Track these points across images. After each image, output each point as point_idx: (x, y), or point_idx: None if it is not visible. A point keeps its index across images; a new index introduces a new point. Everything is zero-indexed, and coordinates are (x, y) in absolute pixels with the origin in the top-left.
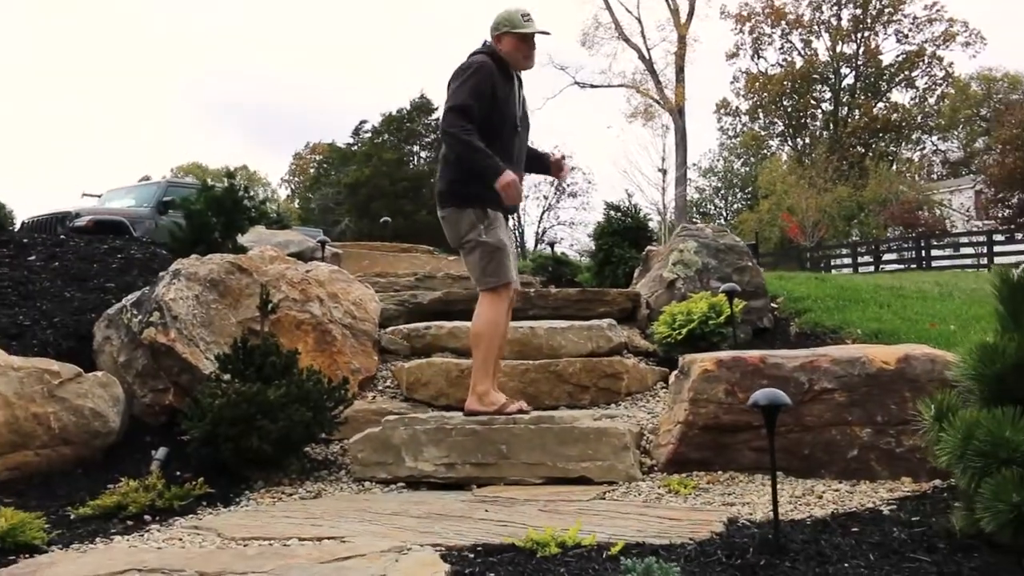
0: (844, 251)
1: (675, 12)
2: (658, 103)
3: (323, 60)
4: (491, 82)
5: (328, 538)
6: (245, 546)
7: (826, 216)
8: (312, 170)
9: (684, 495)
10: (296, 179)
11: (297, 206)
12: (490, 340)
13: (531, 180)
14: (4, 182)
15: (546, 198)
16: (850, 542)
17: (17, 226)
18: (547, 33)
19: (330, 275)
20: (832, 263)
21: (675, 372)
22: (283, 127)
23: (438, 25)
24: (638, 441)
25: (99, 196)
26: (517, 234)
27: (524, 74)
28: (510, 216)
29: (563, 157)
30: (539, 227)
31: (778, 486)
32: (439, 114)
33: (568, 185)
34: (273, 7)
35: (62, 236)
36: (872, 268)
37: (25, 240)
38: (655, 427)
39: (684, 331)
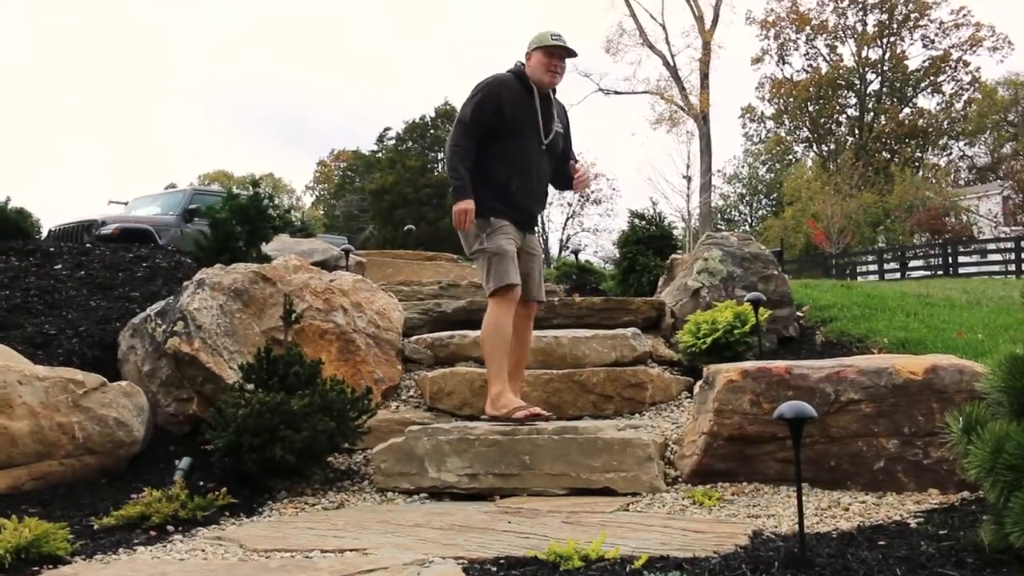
0: (870, 258)
1: (699, 19)
2: (683, 109)
3: (347, 67)
4: (497, 99)
5: (350, 550)
6: (267, 558)
7: (852, 222)
8: (336, 177)
9: (708, 507)
10: (321, 186)
11: (322, 213)
12: (495, 343)
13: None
14: (31, 190)
15: (570, 205)
16: (877, 556)
17: (44, 234)
18: (573, 54)
19: (354, 284)
20: (858, 270)
21: (700, 382)
22: (308, 134)
23: (462, 32)
24: (662, 452)
25: (126, 203)
26: (542, 241)
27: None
28: (531, 224)
29: (576, 164)
30: (563, 234)
31: (804, 498)
32: None
33: (592, 192)
34: (297, 15)
35: (87, 244)
36: (898, 275)
37: (51, 249)
38: (679, 438)
39: (709, 340)
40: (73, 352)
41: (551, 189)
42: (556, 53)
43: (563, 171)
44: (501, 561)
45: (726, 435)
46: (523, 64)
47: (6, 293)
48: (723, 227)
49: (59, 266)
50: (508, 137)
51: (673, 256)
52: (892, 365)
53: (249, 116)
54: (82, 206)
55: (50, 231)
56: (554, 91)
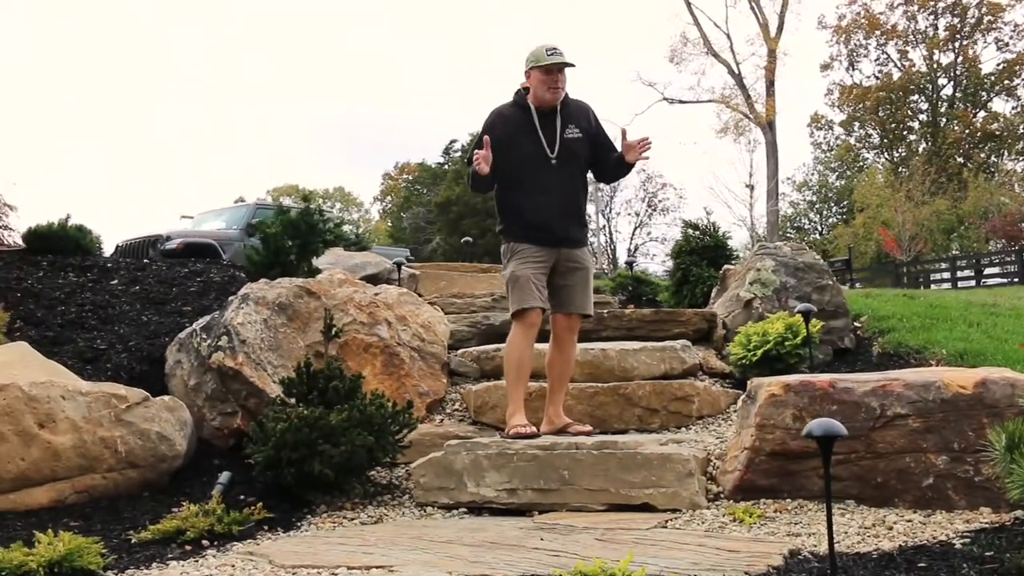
0: (943, 265)
1: (764, 26)
2: (748, 117)
3: (412, 80)
4: (495, 127)
5: (376, 567)
6: (294, 574)
7: (924, 230)
8: (402, 190)
9: (748, 524)
10: (388, 199)
11: (389, 225)
12: (511, 364)
13: (622, 197)
14: (106, 205)
15: (638, 215)
16: None
17: (106, 250)
18: (571, 65)
19: (399, 297)
20: (931, 278)
21: (743, 396)
22: (375, 147)
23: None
24: (704, 467)
25: (192, 218)
26: (609, 251)
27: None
28: (562, 240)
29: (625, 135)
30: (631, 243)
31: (848, 516)
32: None
33: (660, 201)
34: (359, 28)
35: (145, 260)
36: (973, 283)
37: (109, 265)
38: (723, 452)
39: (759, 352)
40: (121, 367)
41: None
42: (553, 70)
43: (607, 163)
44: None
45: (768, 450)
46: (525, 90)
47: (62, 309)
48: (792, 235)
49: (115, 281)
50: (514, 163)
51: (726, 267)
52: (940, 379)
53: (318, 129)
54: (159, 220)
55: (117, 246)
56: (567, 97)
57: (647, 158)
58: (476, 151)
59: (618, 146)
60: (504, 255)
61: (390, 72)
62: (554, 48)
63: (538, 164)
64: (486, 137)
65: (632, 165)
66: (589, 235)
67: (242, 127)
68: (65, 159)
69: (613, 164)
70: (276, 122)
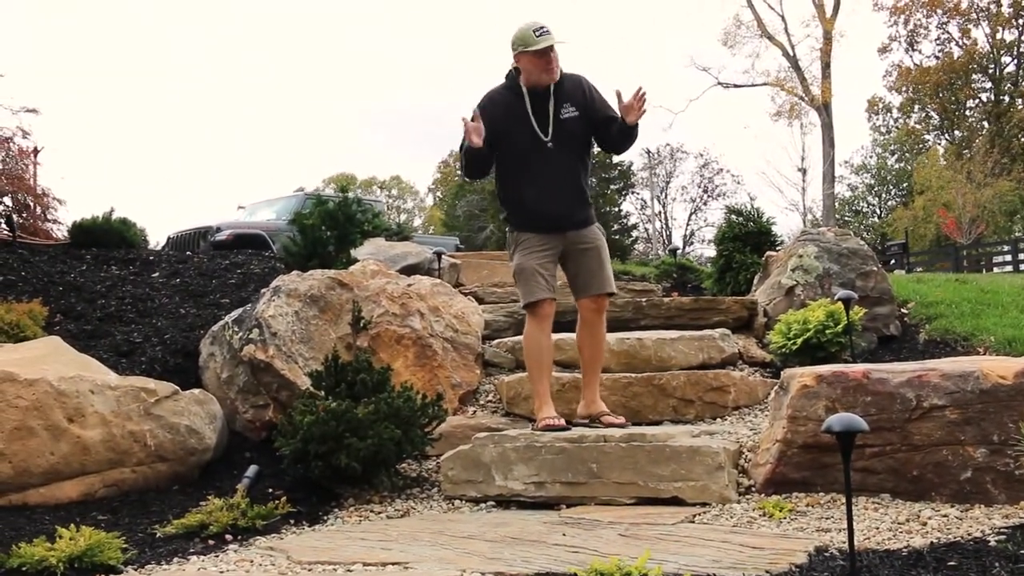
0: (1005, 248)
1: (820, 7)
2: (804, 100)
3: (462, 64)
4: (486, 112)
5: (393, 563)
6: (309, 570)
7: (985, 212)
8: (456, 177)
9: (778, 519)
10: (442, 187)
11: (443, 213)
12: (529, 357)
13: (678, 183)
14: (169, 196)
15: (693, 200)
16: None
17: (154, 243)
18: (562, 42)
19: (432, 288)
20: (993, 261)
21: (776, 387)
22: (429, 135)
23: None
24: (736, 460)
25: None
26: (665, 236)
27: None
28: (566, 223)
29: (620, 97)
30: (687, 229)
31: (882, 511)
32: None
33: (717, 187)
34: (417, 19)
35: (188, 253)
36: None
37: (151, 257)
38: (755, 445)
39: (799, 341)
40: (156, 360)
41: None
42: (546, 52)
43: (610, 133)
44: None
45: (800, 443)
46: (516, 70)
47: (102, 302)
48: (850, 219)
49: (156, 274)
50: (507, 148)
51: (768, 253)
52: (979, 368)
53: (374, 117)
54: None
55: (168, 238)
56: (562, 73)
57: (645, 111)
58: (466, 126)
59: (618, 111)
60: (509, 245)
61: (447, 60)
62: (541, 27)
63: (534, 149)
64: (475, 111)
65: (635, 127)
66: (593, 212)
67: (304, 117)
68: (124, 153)
69: (616, 133)
70: (339, 111)
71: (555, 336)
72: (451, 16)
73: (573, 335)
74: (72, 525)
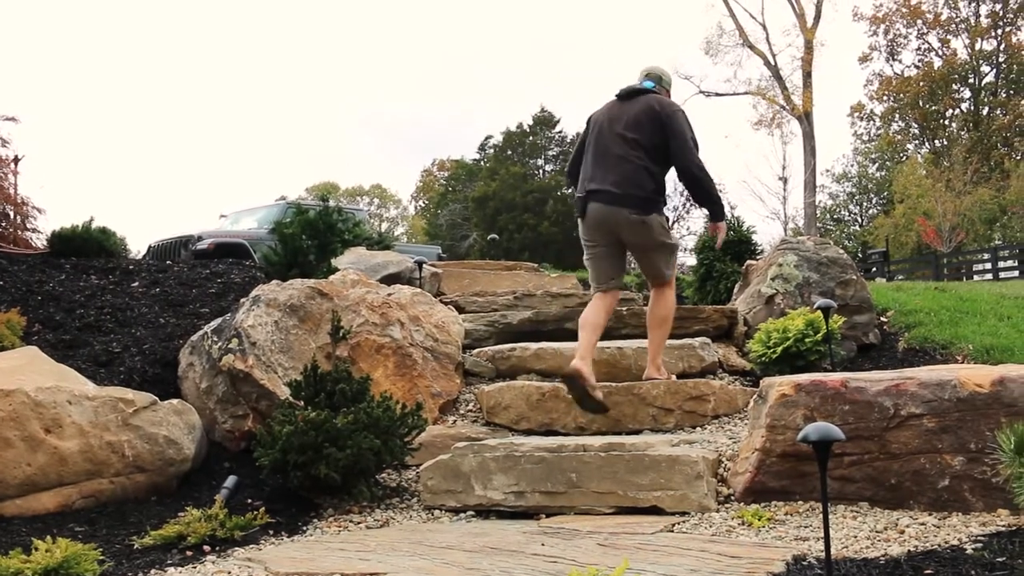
0: (984, 256)
1: (801, 16)
2: (785, 109)
3: (448, 77)
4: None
5: (371, 573)
6: None
7: (965, 220)
8: (439, 186)
9: (757, 528)
10: (424, 196)
11: (425, 222)
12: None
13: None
14: (149, 205)
15: (675, 209)
16: None
17: (135, 252)
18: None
19: (412, 298)
20: (973, 269)
21: (754, 396)
22: (411, 144)
23: (555, 39)
24: (715, 469)
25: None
26: None
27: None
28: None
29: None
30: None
31: (861, 519)
32: (562, 126)
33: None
34: (396, 27)
35: (168, 262)
36: (1016, 274)
37: (131, 267)
38: (735, 454)
39: (779, 349)
40: (134, 370)
41: None
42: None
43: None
44: None
45: (779, 452)
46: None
47: (80, 312)
48: (831, 227)
49: (136, 283)
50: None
51: (748, 262)
52: (957, 377)
53: (356, 128)
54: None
55: (149, 247)
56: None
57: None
58: None
59: None
60: (663, 226)
61: (428, 70)
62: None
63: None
64: None
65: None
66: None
67: (286, 125)
68: (106, 160)
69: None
70: (319, 120)
71: (536, 345)
72: (436, 25)
73: (555, 344)
74: (49, 537)
